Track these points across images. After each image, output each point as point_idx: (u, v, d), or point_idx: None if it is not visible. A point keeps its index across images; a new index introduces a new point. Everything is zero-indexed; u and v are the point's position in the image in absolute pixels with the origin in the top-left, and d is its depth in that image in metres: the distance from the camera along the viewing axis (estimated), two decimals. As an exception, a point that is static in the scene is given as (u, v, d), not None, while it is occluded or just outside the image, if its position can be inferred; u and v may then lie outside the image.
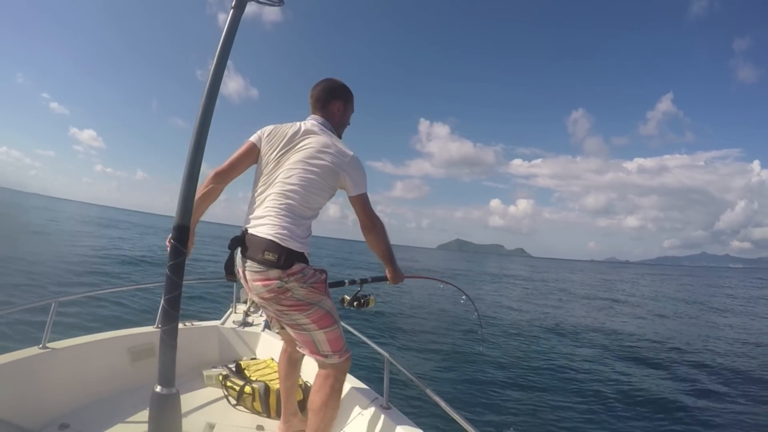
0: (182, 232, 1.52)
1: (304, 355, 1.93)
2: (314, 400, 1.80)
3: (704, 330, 12.66)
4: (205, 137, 1.53)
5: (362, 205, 1.82)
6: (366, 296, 2.18)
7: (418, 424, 1.90)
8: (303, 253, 1.71)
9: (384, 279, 2.10)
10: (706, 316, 16.53)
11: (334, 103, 1.93)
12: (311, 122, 1.89)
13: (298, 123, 1.88)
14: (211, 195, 1.87)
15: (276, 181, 1.77)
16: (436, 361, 6.29)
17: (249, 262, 1.70)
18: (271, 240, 1.65)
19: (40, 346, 2.24)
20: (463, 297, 2.67)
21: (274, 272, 1.65)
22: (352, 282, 2.21)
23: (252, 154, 1.88)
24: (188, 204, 1.53)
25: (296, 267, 1.66)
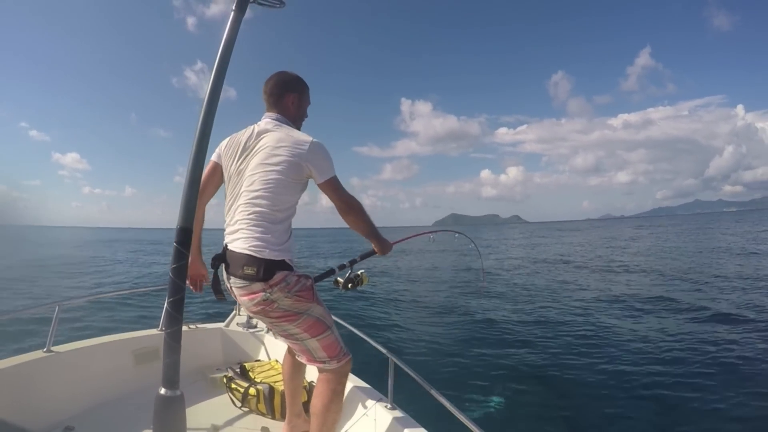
0: (185, 235, 1.52)
1: None
2: (316, 404, 1.80)
3: (711, 277, 12.62)
4: (206, 141, 1.53)
5: (333, 189, 1.74)
6: (358, 275, 2.16)
7: (424, 425, 1.89)
8: (283, 260, 1.67)
9: (372, 253, 2.08)
10: (710, 261, 16.53)
11: (287, 96, 1.85)
12: (265, 121, 1.82)
13: (251, 126, 1.82)
14: (196, 224, 1.81)
15: (241, 191, 1.73)
16: (441, 360, 6.28)
17: (233, 279, 1.70)
18: (247, 254, 1.64)
19: (45, 349, 2.25)
20: (456, 235, 2.61)
21: (257, 285, 1.63)
22: (342, 267, 2.18)
23: (217, 173, 1.85)
24: (191, 207, 1.53)
25: (278, 276, 1.64)
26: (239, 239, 1.68)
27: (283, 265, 1.67)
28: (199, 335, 3.08)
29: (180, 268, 1.52)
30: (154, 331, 2.82)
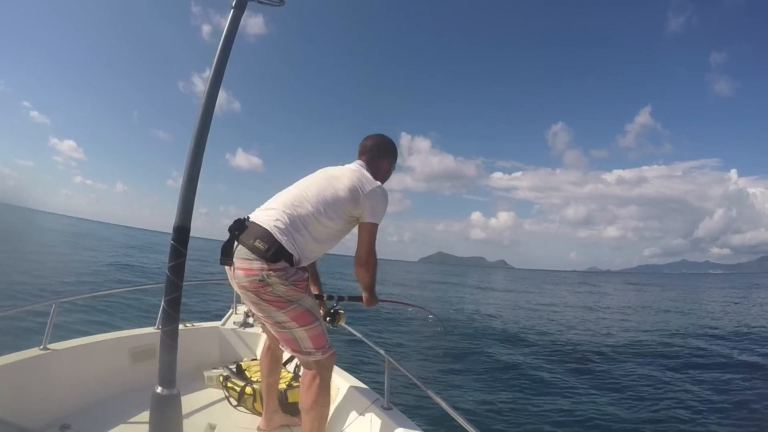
0: (182, 233, 1.52)
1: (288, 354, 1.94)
2: (304, 400, 1.81)
3: (686, 333, 12.56)
4: (204, 140, 1.53)
5: (368, 235, 1.85)
6: (337, 312, 2.15)
7: (420, 425, 1.89)
8: (293, 255, 1.70)
9: (359, 299, 2.11)
10: (687, 320, 16.43)
11: (383, 161, 2.07)
12: (358, 162, 2.02)
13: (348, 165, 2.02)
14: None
15: (300, 188, 1.86)
16: (436, 361, 6.29)
17: (239, 247, 1.70)
18: (266, 230, 1.67)
19: (41, 347, 2.24)
20: (430, 316, 2.68)
21: (258, 263, 1.64)
22: (330, 297, 2.20)
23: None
24: (188, 206, 1.53)
25: (281, 264, 1.66)
26: (268, 216, 1.74)
27: (290, 259, 1.69)
28: (196, 334, 3.07)
29: (177, 266, 1.51)
30: (150, 330, 2.81)
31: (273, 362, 2.18)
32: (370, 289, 1.99)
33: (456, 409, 1.66)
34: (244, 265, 1.67)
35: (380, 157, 2.06)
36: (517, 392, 5.55)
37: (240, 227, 1.73)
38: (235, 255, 1.71)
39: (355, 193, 1.81)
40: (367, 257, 1.86)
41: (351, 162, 2.04)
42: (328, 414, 1.87)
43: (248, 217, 1.78)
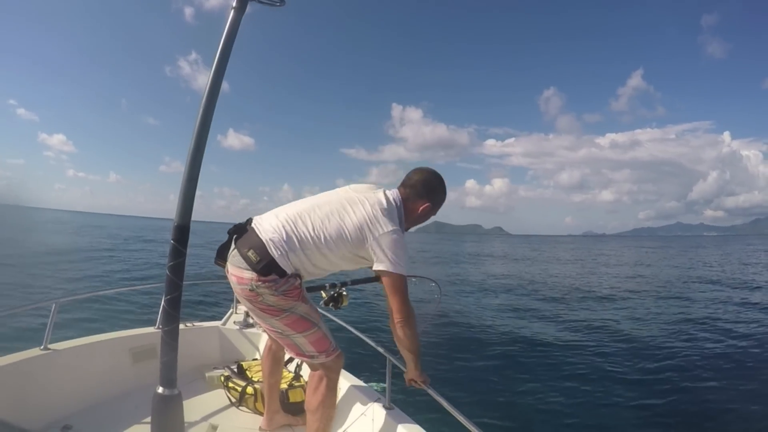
0: (182, 233, 1.52)
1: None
2: (311, 401, 1.80)
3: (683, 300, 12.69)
4: (205, 138, 1.53)
5: (391, 288, 1.68)
6: (341, 294, 2.16)
7: (421, 425, 1.89)
8: (285, 271, 1.65)
9: (367, 281, 2.09)
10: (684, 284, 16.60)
11: (422, 203, 1.85)
12: (392, 193, 1.82)
13: (384, 189, 1.85)
14: None
15: (314, 200, 1.77)
16: (438, 360, 6.28)
17: (234, 252, 1.69)
18: (262, 241, 1.63)
19: (42, 347, 2.24)
20: (432, 284, 2.58)
21: (248, 273, 1.63)
22: (333, 286, 2.18)
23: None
24: (188, 204, 1.53)
25: (271, 276, 1.63)
26: (270, 226, 1.67)
27: (281, 273, 1.65)
28: (197, 333, 3.07)
29: (177, 266, 1.51)
30: (151, 329, 2.81)
31: (274, 362, 2.18)
32: (416, 356, 1.79)
33: (458, 408, 1.65)
34: (236, 272, 1.67)
35: (420, 197, 1.84)
36: (520, 392, 5.55)
37: (240, 231, 1.72)
38: (228, 259, 1.71)
39: (362, 233, 1.66)
40: (402, 317, 1.69)
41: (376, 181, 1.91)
42: (334, 415, 1.85)
43: (251, 220, 1.75)
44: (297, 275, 1.72)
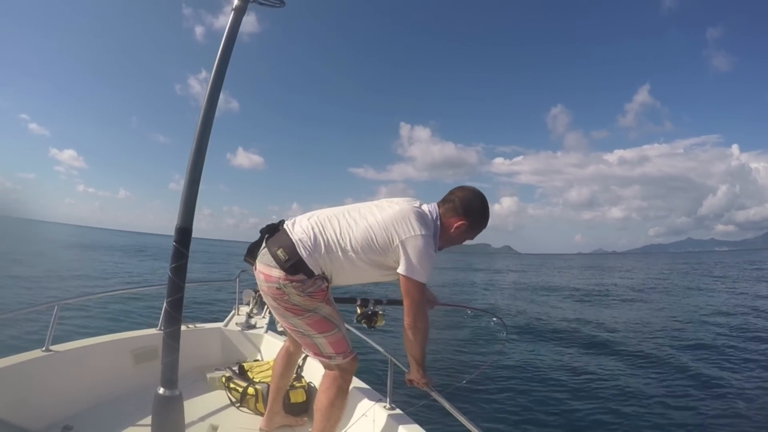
0: (184, 235, 1.52)
1: (301, 357, 1.94)
2: (321, 400, 1.82)
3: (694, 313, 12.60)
4: (206, 142, 1.54)
5: (407, 293, 1.66)
6: (377, 313, 2.19)
7: (422, 426, 1.89)
8: (313, 271, 1.67)
9: (399, 304, 2.03)
10: (696, 299, 16.48)
11: (460, 221, 1.78)
12: (429, 207, 1.79)
13: (422, 202, 1.82)
14: None
15: (348, 210, 1.76)
16: (440, 360, 6.29)
17: (264, 250, 1.72)
18: (291, 241, 1.66)
19: (43, 348, 2.24)
20: (494, 320, 2.58)
21: (277, 271, 1.65)
22: (365, 302, 2.19)
23: None
24: (190, 207, 1.53)
25: (299, 276, 1.65)
26: (300, 227, 1.69)
27: (309, 273, 1.67)
28: (198, 335, 3.07)
29: (179, 268, 1.52)
30: (153, 331, 2.82)
31: (288, 365, 2.18)
32: (419, 361, 1.80)
33: (460, 410, 1.65)
34: (264, 270, 1.70)
35: (457, 214, 1.78)
36: (523, 391, 5.54)
37: (271, 231, 1.76)
38: (258, 257, 1.74)
39: (389, 235, 1.64)
40: (413, 321, 1.68)
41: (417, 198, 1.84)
42: (341, 417, 1.87)
43: (283, 221, 1.78)
44: (324, 278, 1.73)
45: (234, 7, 1.55)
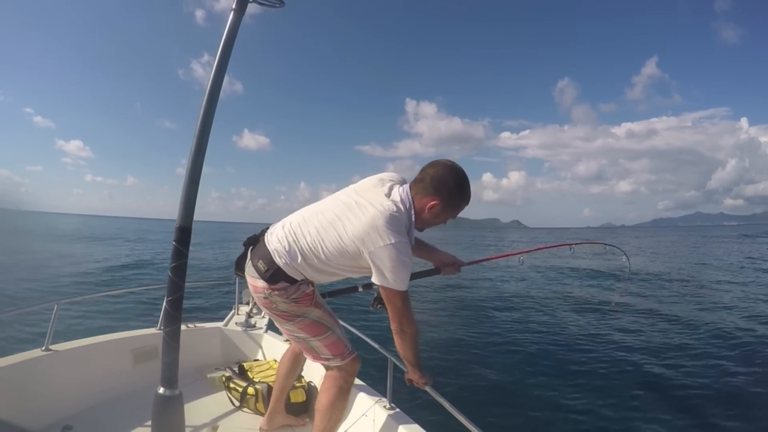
0: (184, 234, 1.52)
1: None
2: (321, 400, 1.82)
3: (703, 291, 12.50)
4: (206, 140, 1.54)
5: (392, 303, 1.61)
6: None
7: (422, 425, 1.89)
8: (293, 277, 1.67)
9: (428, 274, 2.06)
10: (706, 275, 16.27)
11: (433, 200, 1.64)
12: (400, 192, 1.65)
13: (393, 183, 1.70)
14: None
15: (319, 213, 1.68)
16: (439, 360, 6.28)
17: (248, 262, 1.76)
18: (269, 252, 1.67)
19: (43, 348, 2.25)
20: (623, 256, 2.50)
21: (261, 282, 1.69)
22: (367, 286, 2.12)
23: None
24: (190, 206, 1.54)
25: (280, 284, 1.67)
26: (276, 237, 1.69)
27: (290, 281, 1.68)
28: (198, 334, 3.07)
29: (179, 267, 1.52)
30: (152, 330, 2.82)
31: (294, 365, 2.20)
32: (412, 363, 1.80)
33: (460, 409, 1.66)
34: (251, 281, 1.74)
35: (431, 194, 1.64)
36: (523, 392, 5.54)
37: (254, 242, 1.79)
38: (246, 270, 1.78)
39: (358, 247, 1.56)
40: (399, 327, 1.66)
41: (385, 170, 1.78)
42: (342, 418, 1.87)
43: (266, 230, 1.79)
44: (309, 282, 1.73)
45: (234, 7, 1.55)
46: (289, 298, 1.69)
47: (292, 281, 1.68)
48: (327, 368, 1.86)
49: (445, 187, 1.64)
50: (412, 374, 1.86)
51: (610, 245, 2.50)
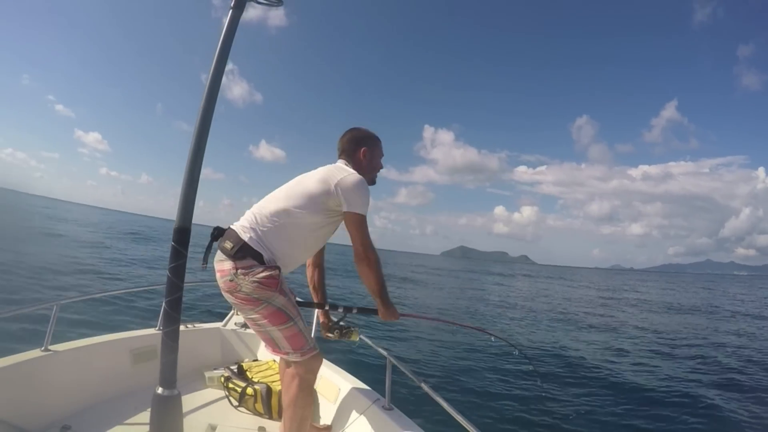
0: (183, 235, 1.52)
1: None
2: (284, 399, 1.84)
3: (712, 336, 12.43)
4: (205, 140, 1.53)
5: (356, 227, 1.76)
6: (348, 327, 2.10)
7: (421, 426, 1.89)
8: (261, 254, 1.71)
9: (374, 312, 1.96)
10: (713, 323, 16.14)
11: (359, 151, 1.97)
12: (339, 164, 1.95)
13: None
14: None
15: (274, 192, 1.87)
16: (439, 360, 6.29)
17: (217, 251, 1.80)
18: (234, 231, 1.74)
19: (42, 348, 2.24)
20: (492, 339, 2.40)
21: (228, 263, 1.71)
22: (334, 307, 2.09)
23: None
24: (188, 207, 1.53)
25: (246, 262, 1.70)
26: (244, 218, 1.80)
27: (258, 257, 1.71)
28: (197, 335, 3.07)
29: (178, 268, 1.52)
30: (151, 331, 2.81)
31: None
32: (380, 293, 1.84)
33: (458, 409, 1.66)
34: (218, 266, 1.76)
35: (358, 146, 1.97)
36: (520, 394, 5.55)
37: (219, 233, 1.82)
38: (215, 259, 1.80)
39: (326, 184, 1.76)
40: (363, 251, 1.75)
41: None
42: (308, 416, 1.85)
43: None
44: (276, 267, 1.74)
45: (232, 5, 1.55)
46: (255, 278, 1.67)
47: (258, 258, 1.70)
48: (287, 364, 1.84)
49: (360, 136, 2.00)
50: (383, 310, 1.89)
51: (498, 338, 2.41)
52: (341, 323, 2.11)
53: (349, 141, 1.99)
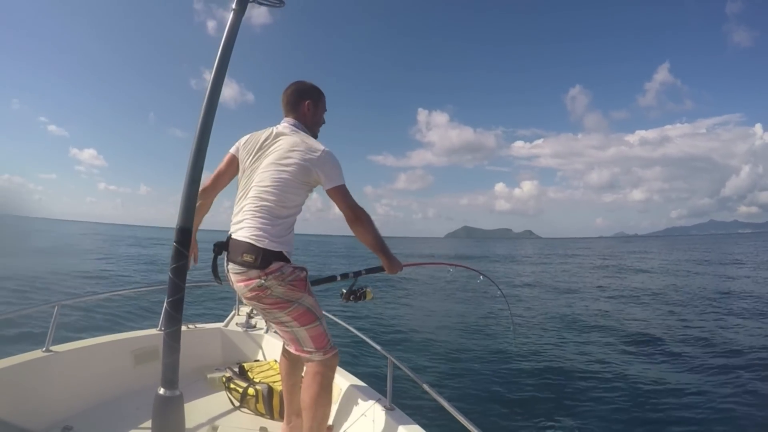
0: (184, 235, 1.52)
1: None
2: (304, 399, 1.84)
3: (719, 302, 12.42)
4: (206, 141, 1.54)
5: (341, 197, 1.82)
6: (362, 288, 2.19)
7: (422, 425, 1.89)
8: (281, 251, 1.75)
9: (380, 269, 2.07)
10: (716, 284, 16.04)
11: (303, 103, 1.98)
12: (283, 125, 1.95)
13: (271, 128, 1.95)
14: (201, 209, 2.00)
15: (252, 186, 1.84)
16: (441, 360, 6.28)
17: (231, 265, 1.79)
18: (248, 242, 1.73)
19: (44, 349, 2.25)
20: (480, 277, 2.52)
21: (254, 272, 1.72)
22: (345, 276, 2.20)
23: (233, 165, 1.99)
24: (190, 207, 1.54)
25: (274, 266, 1.72)
26: (243, 228, 1.78)
27: (280, 257, 1.75)
28: (199, 335, 3.08)
29: (179, 268, 1.52)
30: (153, 331, 2.82)
31: (291, 364, 2.15)
32: (380, 247, 1.91)
33: (459, 409, 1.66)
34: (241, 278, 1.75)
35: (302, 100, 1.98)
36: (522, 393, 5.54)
37: (224, 248, 1.83)
38: (230, 272, 1.80)
39: (305, 166, 1.79)
40: (353, 213, 1.82)
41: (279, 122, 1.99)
42: (328, 414, 1.88)
43: (230, 235, 1.83)
44: (303, 268, 1.81)
45: (234, 6, 1.55)
46: (286, 280, 1.73)
47: (284, 259, 1.74)
48: (307, 362, 1.86)
49: (303, 88, 2.01)
50: (387, 263, 1.96)
51: (484, 275, 2.56)
52: (354, 288, 2.18)
53: (293, 93, 1.99)
